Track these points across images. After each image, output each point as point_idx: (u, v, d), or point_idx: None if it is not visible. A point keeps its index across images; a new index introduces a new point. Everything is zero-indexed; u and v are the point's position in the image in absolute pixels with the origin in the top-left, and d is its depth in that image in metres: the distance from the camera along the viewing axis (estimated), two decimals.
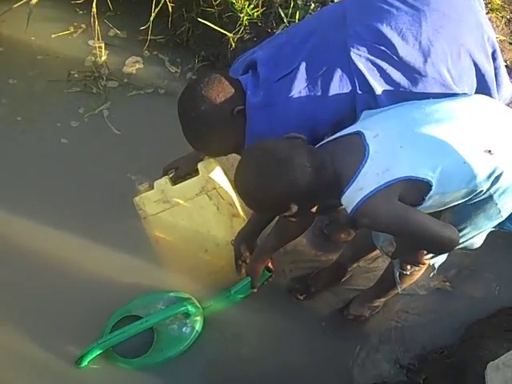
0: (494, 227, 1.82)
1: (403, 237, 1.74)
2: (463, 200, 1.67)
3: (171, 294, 2.31)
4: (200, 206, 2.16)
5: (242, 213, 2.21)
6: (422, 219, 1.62)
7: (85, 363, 2.18)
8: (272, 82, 1.76)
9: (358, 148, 1.59)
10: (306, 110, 1.74)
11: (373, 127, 1.63)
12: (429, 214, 1.74)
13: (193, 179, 2.14)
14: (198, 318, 2.28)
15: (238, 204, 2.20)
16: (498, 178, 1.62)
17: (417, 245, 1.75)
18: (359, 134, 1.63)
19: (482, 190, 1.63)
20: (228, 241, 2.20)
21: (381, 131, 1.61)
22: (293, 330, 2.37)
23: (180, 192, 2.14)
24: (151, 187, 2.17)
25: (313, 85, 1.72)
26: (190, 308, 2.23)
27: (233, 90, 1.78)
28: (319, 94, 1.72)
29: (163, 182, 2.15)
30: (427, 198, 1.61)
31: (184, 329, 2.27)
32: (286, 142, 1.65)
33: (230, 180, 2.22)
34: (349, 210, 1.61)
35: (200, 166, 2.14)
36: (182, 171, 2.17)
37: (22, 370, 2.23)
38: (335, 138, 1.69)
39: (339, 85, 1.71)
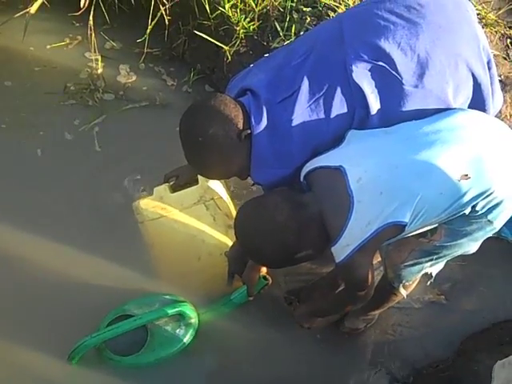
0: (492, 234, 1.84)
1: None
2: (453, 217, 1.71)
3: (166, 296, 2.30)
4: (197, 215, 2.17)
5: None
6: None
7: (77, 358, 2.17)
8: (274, 104, 1.75)
9: (343, 196, 1.66)
10: (309, 130, 1.74)
11: (356, 164, 1.68)
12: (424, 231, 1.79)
13: (191, 188, 2.15)
14: (193, 320, 2.27)
15: (234, 215, 2.19)
16: (485, 197, 1.65)
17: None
18: (342, 172, 1.67)
19: (472, 208, 1.68)
20: (222, 251, 2.19)
21: (363, 173, 1.66)
22: (288, 343, 2.35)
23: (178, 200, 2.15)
24: (151, 194, 2.18)
25: (315, 105, 1.72)
26: (185, 309, 2.23)
27: (238, 113, 1.76)
28: (321, 113, 1.73)
29: (162, 189, 2.16)
30: (406, 230, 1.68)
31: (178, 330, 2.26)
32: (270, 201, 1.77)
33: (228, 191, 2.23)
34: (336, 260, 1.73)
35: (200, 175, 2.14)
36: (182, 180, 2.17)
37: (15, 368, 2.24)
38: (319, 169, 1.73)
39: (340, 103, 1.72)
